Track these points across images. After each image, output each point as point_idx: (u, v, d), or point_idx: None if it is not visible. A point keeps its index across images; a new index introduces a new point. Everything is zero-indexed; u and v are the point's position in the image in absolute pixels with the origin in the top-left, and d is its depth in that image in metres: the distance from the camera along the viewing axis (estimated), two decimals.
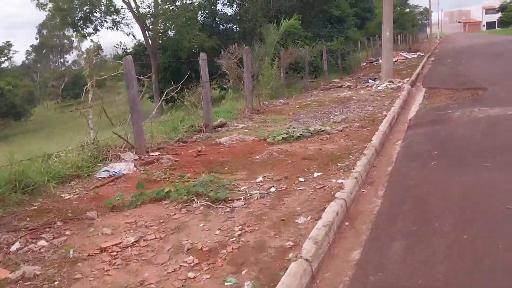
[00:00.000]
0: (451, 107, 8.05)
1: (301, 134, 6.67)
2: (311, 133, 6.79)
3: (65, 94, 58.19)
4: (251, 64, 10.39)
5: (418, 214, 3.56)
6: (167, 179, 5.06)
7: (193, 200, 4.22)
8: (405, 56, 24.17)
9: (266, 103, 11.12)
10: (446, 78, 12.66)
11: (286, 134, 6.63)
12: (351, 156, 5.29)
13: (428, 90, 10.86)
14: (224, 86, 15.58)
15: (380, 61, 24.26)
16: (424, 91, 10.85)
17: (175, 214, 3.89)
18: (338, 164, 5.05)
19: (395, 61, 22.85)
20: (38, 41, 70.29)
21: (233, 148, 6.40)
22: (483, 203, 3.54)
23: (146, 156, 6.18)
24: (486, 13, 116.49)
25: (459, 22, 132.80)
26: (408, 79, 13.20)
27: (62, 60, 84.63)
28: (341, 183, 4.36)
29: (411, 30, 57.80)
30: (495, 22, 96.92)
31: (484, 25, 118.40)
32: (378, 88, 12.32)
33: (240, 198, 4.20)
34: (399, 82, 12.88)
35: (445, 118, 7.11)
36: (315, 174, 4.78)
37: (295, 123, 8.13)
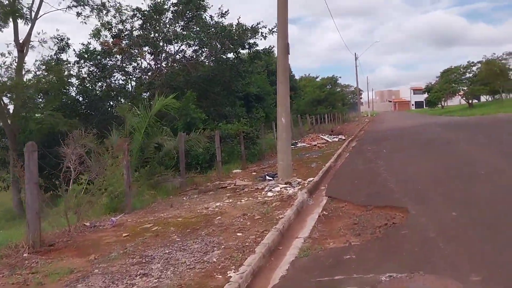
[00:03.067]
0: (345, 261, 4.59)
1: None
2: None
3: None
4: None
5: None
6: None
7: None
8: (325, 140, 21.55)
9: (88, 224, 7.20)
10: (359, 180, 9.50)
11: None
12: None
13: (328, 205, 7.51)
14: None
15: (299, 145, 21.56)
16: (323, 206, 7.48)
17: None
18: None
19: (314, 145, 20.11)
20: None
21: None
22: None
23: None
24: (414, 93, 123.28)
25: (389, 101, 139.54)
26: (311, 178, 9.95)
27: None
28: None
29: (341, 109, 57.72)
30: (422, 101, 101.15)
31: (413, 104, 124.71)
32: (268, 194, 8.91)
33: None
34: (298, 184, 9.57)
35: None
36: None
37: None
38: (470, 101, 57.75)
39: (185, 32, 16.79)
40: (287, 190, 9.14)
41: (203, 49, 17.83)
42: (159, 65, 17.58)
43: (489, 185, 7.10)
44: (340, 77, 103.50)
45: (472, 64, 56.56)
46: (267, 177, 11.18)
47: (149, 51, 19.10)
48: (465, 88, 57.14)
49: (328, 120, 43.43)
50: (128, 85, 17.49)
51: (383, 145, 16.24)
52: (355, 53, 63.39)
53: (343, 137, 22.85)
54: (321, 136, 22.80)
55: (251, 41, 17.90)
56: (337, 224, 6.24)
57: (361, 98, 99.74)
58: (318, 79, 61.67)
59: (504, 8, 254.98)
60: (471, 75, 56.63)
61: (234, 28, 16.91)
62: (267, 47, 19.11)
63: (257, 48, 18.36)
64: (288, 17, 10.92)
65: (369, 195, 7.67)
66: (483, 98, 70.91)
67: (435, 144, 14.33)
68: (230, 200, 8.59)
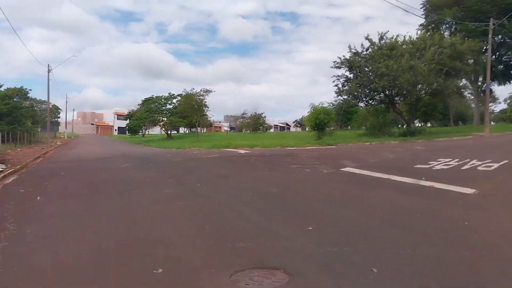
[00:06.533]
0: None
1: None
2: None
3: None
4: None
5: None
6: None
7: None
8: None
9: None
10: None
11: None
12: None
13: None
14: None
15: None
16: None
17: None
18: None
19: None
20: None
21: None
22: None
23: None
24: (118, 118, 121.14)
25: (92, 124, 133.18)
26: None
27: None
28: None
29: (30, 128, 48.82)
30: (125, 127, 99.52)
31: (116, 130, 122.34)
32: None
33: None
34: None
35: None
36: None
37: None
38: (169, 132, 58.80)
39: None
40: None
41: None
42: None
43: None
44: (30, 90, 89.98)
45: (172, 96, 57.90)
46: None
47: None
48: (165, 118, 57.85)
49: (9, 140, 35.06)
50: None
51: (42, 186, 11.38)
52: (48, 65, 55.50)
53: (4, 167, 16.60)
54: None
55: None
56: None
57: (58, 118, 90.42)
58: (1, 89, 50.66)
59: (203, 54, 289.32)
60: (171, 106, 57.81)
61: None
62: None
63: None
64: None
65: None
66: (181, 130, 74.50)
67: (110, 191, 10.46)
68: None
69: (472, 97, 55.73)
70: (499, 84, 47.81)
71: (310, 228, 6.31)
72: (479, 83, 48.27)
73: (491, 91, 37.23)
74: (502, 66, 46.92)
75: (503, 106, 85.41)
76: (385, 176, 11.37)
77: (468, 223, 6.48)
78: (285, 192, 9.56)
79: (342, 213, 7.32)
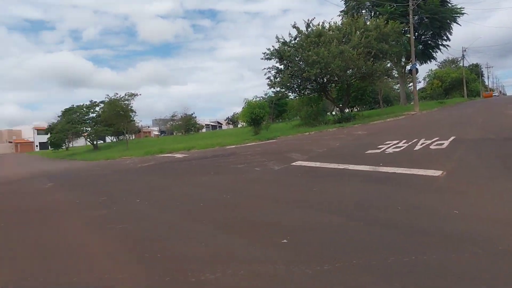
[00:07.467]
0: None
1: None
2: None
3: None
4: None
5: None
6: None
7: None
8: None
9: None
10: None
11: None
12: None
13: None
14: None
15: None
16: None
17: None
18: None
19: None
20: None
21: None
22: None
23: None
24: (38, 134, 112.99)
25: (10, 142, 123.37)
26: None
27: None
28: None
29: None
30: (47, 142, 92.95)
31: (37, 145, 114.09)
32: None
33: None
34: None
35: None
36: None
37: None
38: (95, 142, 55.27)
39: None
40: None
41: None
42: None
43: None
44: None
45: (95, 104, 54.35)
46: None
47: None
48: (89, 128, 54.21)
49: None
50: None
51: None
52: None
53: None
54: None
55: None
56: None
57: None
58: None
59: (124, 58, 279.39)
60: (94, 115, 54.29)
61: None
62: None
63: None
64: None
65: None
66: (108, 139, 70.59)
67: (25, 221, 8.61)
68: None
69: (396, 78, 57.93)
70: (420, 63, 50.02)
71: (285, 240, 5.18)
72: (402, 64, 50.10)
73: (417, 70, 38.27)
74: (421, 46, 49.04)
75: (422, 85, 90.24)
76: (341, 166, 10.55)
77: (457, 211, 5.68)
78: (241, 198, 8.34)
79: (314, 217, 6.25)
